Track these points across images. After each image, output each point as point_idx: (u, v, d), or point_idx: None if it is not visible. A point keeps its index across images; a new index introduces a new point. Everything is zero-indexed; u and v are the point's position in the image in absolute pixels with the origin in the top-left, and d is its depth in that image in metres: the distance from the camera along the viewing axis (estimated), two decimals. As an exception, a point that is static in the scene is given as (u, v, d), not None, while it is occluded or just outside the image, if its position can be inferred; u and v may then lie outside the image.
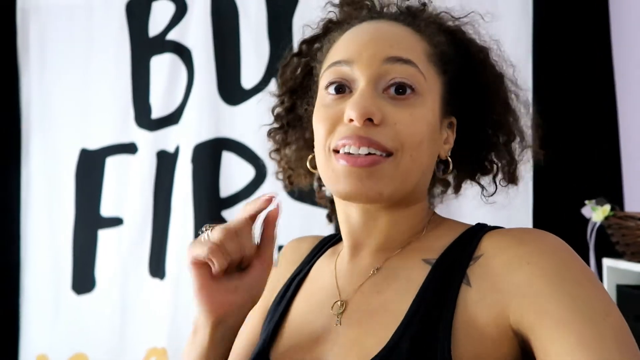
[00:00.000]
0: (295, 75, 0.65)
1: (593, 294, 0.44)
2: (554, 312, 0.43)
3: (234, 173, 1.48)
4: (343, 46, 0.56)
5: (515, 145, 0.61)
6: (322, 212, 1.40)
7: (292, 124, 0.67)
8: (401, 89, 0.52)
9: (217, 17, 1.49)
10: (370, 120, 0.51)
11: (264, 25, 1.47)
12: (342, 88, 0.54)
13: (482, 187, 0.64)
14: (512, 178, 0.62)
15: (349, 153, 0.51)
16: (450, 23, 0.61)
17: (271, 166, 1.42)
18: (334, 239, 0.67)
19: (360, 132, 0.51)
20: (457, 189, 0.66)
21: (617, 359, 0.40)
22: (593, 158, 1.27)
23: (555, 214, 1.25)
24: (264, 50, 1.46)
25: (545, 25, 1.32)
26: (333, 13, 0.64)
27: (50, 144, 1.56)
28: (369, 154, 0.50)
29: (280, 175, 0.71)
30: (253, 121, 1.46)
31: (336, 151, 0.52)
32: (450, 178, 0.66)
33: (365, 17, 0.59)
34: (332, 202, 0.71)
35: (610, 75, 1.29)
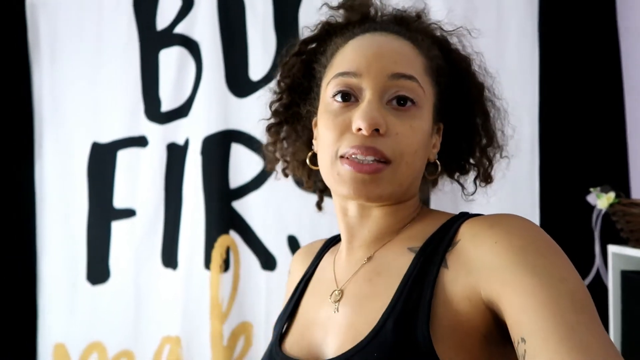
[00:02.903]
0: (295, 74, 0.69)
1: (553, 262, 0.48)
2: (516, 280, 0.48)
3: (242, 164, 1.50)
4: (350, 57, 0.61)
5: (492, 148, 0.68)
6: (331, 202, 1.43)
7: (290, 120, 0.72)
8: (403, 100, 0.58)
9: (224, 9, 1.51)
10: (376, 130, 0.57)
11: (270, 17, 1.48)
12: (349, 97, 0.60)
13: (462, 186, 0.69)
14: (487, 178, 0.67)
15: (355, 160, 0.57)
16: (438, 34, 0.65)
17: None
18: (337, 239, 0.72)
19: (367, 142, 0.57)
20: (434, 184, 0.73)
21: (572, 318, 0.43)
22: (599, 145, 1.28)
23: (560, 201, 1.26)
24: (270, 42, 1.48)
25: (552, 13, 1.32)
26: (332, 17, 0.68)
27: (63, 138, 1.59)
28: (374, 160, 0.57)
29: (274, 167, 0.76)
30: (261, 113, 1.48)
31: (342, 157, 0.58)
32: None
33: (369, 29, 0.64)
34: (321, 191, 0.76)
35: (617, 61, 1.29)
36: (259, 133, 1.49)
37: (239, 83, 1.50)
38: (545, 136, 1.28)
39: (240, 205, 1.49)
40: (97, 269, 1.56)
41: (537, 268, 0.47)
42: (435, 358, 0.50)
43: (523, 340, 0.45)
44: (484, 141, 0.66)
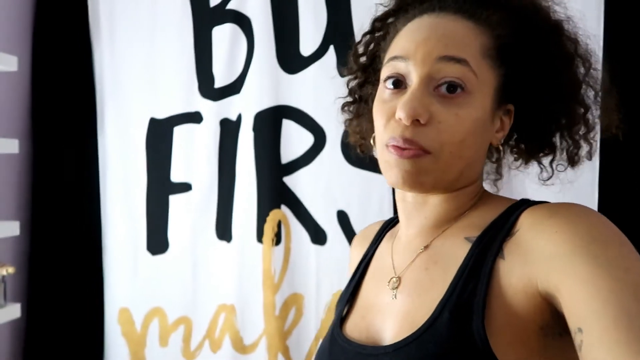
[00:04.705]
0: (366, 53, 0.69)
1: (616, 252, 0.47)
2: (575, 270, 0.47)
3: (293, 140, 1.52)
4: (402, 40, 0.60)
5: (582, 126, 0.62)
6: (380, 177, 1.43)
7: (365, 98, 0.71)
8: (451, 88, 0.56)
9: (276, -15, 1.50)
10: (417, 120, 0.56)
11: (321, -8, 1.47)
12: (399, 83, 0.59)
13: (542, 167, 0.65)
14: (571, 161, 0.63)
15: (397, 146, 0.57)
16: (516, 3, 0.61)
17: (330, 132, 1.47)
18: (394, 221, 0.72)
19: (407, 132, 0.56)
20: (526, 162, 0.67)
21: (634, 309, 0.42)
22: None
23: (622, 192, 1.21)
24: (321, 17, 1.47)
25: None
26: None
27: (123, 114, 1.65)
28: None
29: (352, 142, 0.77)
30: (311, 89, 1.49)
31: (387, 145, 0.58)
32: (511, 158, 0.68)
33: (427, 9, 0.61)
34: None
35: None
36: (310, 108, 1.53)
37: (290, 59, 1.50)
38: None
39: (291, 181, 1.52)
40: (157, 240, 1.63)
41: (599, 258, 0.46)
42: (489, 351, 0.50)
43: (580, 330, 0.44)
44: (569, 121, 0.62)
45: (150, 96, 1.62)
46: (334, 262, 1.47)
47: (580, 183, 1.18)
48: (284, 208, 1.52)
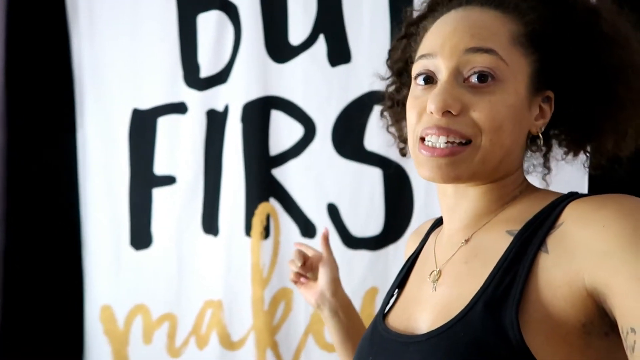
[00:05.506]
0: (400, 57, 0.70)
1: None
2: (625, 267, 0.46)
3: (282, 131, 1.48)
4: (430, 38, 0.60)
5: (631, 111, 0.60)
6: (372, 170, 1.41)
7: (402, 102, 0.71)
8: (482, 77, 0.56)
9: (262, -29, 1.47)
10: (450, 112, 0.56)
11: (310, -21, 1.44)
12: (430, 79, 0.59)
13: (588, 156, 0.64)
14: (617, 149, 0.61)
15: (430, 145, 0.57)
16: None
17: (320, 123, 1.44)
18: None
19: (440, 122, 0.56)
20: (575, 154, 0.66)
21: None
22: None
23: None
24: (311, 5, 1.43)
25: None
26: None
27: (104, 105, 1.59)
28: (448, 142, 0.56)
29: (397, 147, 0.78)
30: (301, 79, 1.46)
31: (422, 139, 0.58)
32: (556, 147, 0.66)
33: (455, 5, 0.61)
34: None
35: None
36: (299, 99, 1.50)
37: (279, 48, 1.47)
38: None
39: (280, 173, 1.49)
40: (140, 235, 1.59)
41: None
42: (523, 344, 0.49)
43: (633, 330, 0.43)
44: (614, 107, 0.60)
45: (132, 86, 1.57)
46: (324, 255, 1.44)
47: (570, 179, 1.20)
48: (272, 201, 1.49)
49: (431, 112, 0.57)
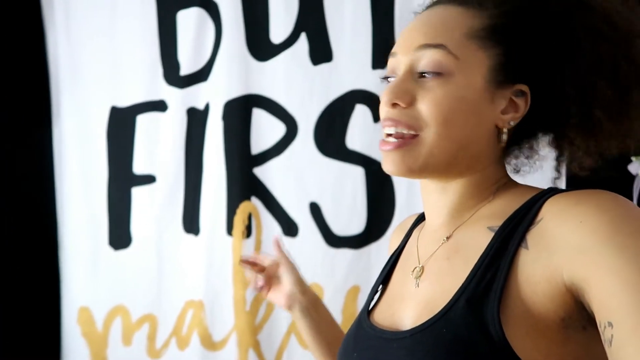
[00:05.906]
0: None
1: None
2: (603, 262, 0.46)
3: (264, 130, 1.47)
4: (398, 38, 0.63)
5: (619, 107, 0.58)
6: (354, 168, 1.41)
7: None
8: (429, 73, 0.58)
9: (244, -32, 1.45)
10: (398, 104, 0.59)
11: (291, -23, 1.43)
12: (393, 78, 0.62)
13: (560, 157, 0.63)
14: (600, 147, 0.59)
15: (383, 140, 0.60)
16: None
17: (302, 122, 1.43)
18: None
19: (390, 114, 0.59)
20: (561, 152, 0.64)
21: None
22: None
23: (600, 171, 1.23)
24: (293, 3, 1.43)
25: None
26: None
27: (81, 102, 1.56)
28: (397, 133, 0.59)
29: None
30: (283, 77, 1.45)
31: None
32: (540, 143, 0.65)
33: (427, 7, 0.64)
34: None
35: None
36: (281, 97, 1.49)
37: (260, 46, 1.46)
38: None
39: (262, 172, 1.48)
40: (119, 235, 1.56)
41: (627, 249, 0.46)
42: (504, 340, 0.49)
43: (610, 324, 0.44)
44: (605, 103, 0.57)
45: (111, 83, 1.54)
46: (306, 254, 1.43)
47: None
48: (254, 200, 1.48)
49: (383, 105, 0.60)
